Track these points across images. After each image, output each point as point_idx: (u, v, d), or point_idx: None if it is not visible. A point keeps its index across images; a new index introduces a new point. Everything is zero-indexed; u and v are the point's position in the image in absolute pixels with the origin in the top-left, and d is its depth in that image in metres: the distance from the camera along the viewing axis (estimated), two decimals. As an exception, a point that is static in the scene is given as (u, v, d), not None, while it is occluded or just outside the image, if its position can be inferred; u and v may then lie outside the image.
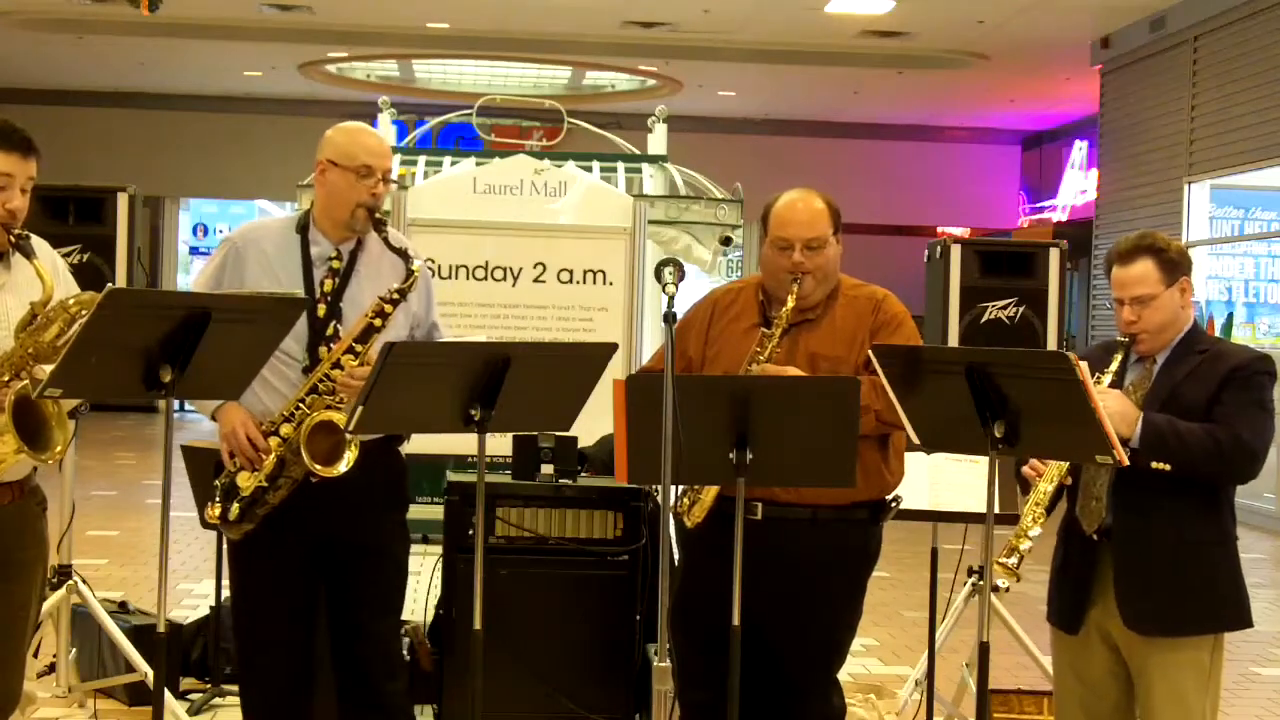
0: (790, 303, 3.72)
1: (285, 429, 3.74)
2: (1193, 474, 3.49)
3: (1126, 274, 3.61)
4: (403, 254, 3.78)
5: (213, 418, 3.85)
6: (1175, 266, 3.61)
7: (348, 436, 3.69)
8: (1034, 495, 3.64)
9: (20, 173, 3.37)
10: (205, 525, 5.45)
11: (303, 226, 3.92)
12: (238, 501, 3.75)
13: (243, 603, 3.97)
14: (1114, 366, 3.61)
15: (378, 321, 3.76)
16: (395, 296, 3.76)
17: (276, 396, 3.80)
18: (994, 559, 3.66)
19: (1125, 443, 3.38)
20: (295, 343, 3.76)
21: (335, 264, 3.88)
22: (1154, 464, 3.45)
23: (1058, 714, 3.84)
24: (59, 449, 3.30)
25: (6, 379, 3.25)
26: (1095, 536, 3.61)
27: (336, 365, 3.74)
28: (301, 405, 3.74)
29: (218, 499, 3.76)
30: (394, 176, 3.91)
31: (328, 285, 3.85)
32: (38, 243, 3.41)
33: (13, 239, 3.33)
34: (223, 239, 4.06)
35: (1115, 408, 3.44)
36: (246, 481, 3.74)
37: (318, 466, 3.70)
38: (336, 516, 3.81)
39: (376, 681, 3.93)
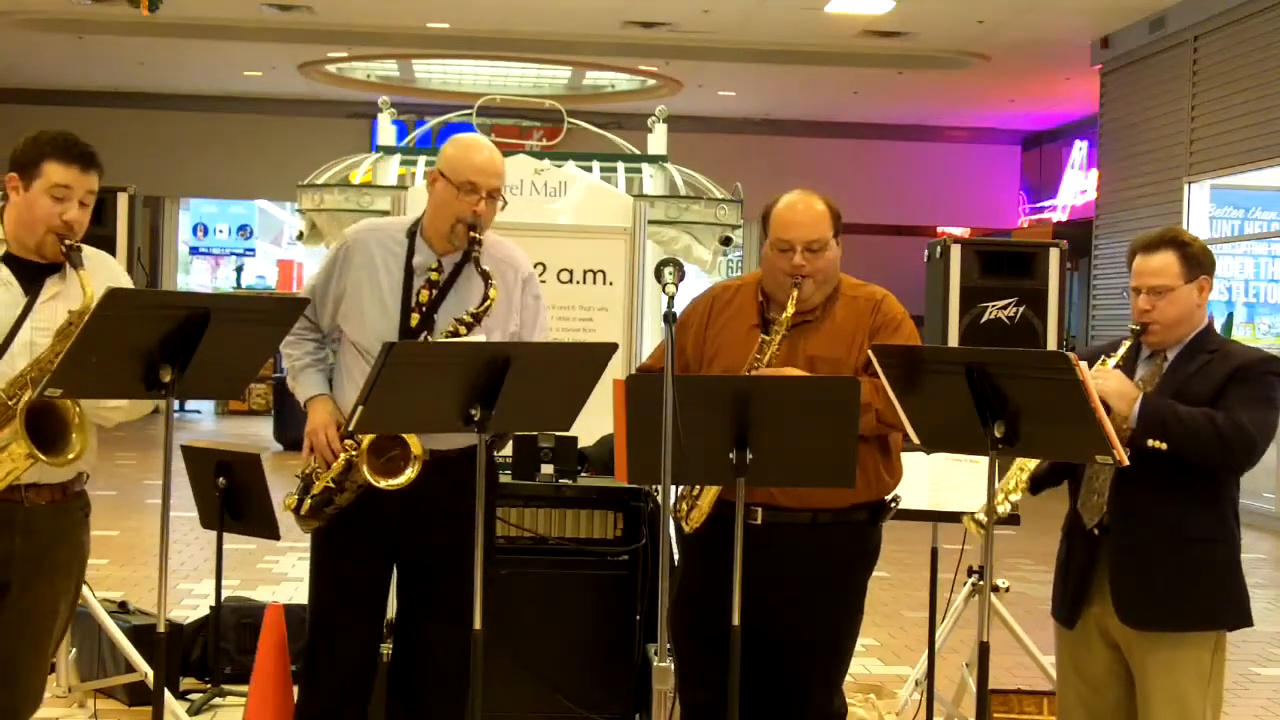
0: (790, 308, 3.70)
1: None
2: (1191, 456, 3.47)
3: (1147, 263, 3.63)
4: (485, 277, 3.75)
5: (304, 407, 3.88)
6: (1197, 264, 3.63)
7: (414, 452, 3.69)
8: (1019, 460, 3.66)
9: (80, 186, 3.38)
10: (205, 525, 5.51)
11: (411, 234, 3.91)
12: (309, 498, 3.77)
13: (316, 594, 3.95)
14: (1122, 352, 3.63)
15: None
16: (469, 319, 3.75)
17: None
18: (971, 517, 3.74)
19: (1123, 422, 3.41)
20: None
21: (434, 275, 3.86)
22: (1150, 442, 3.44)
23: (1059, 710, 3.84)
24: (70, 455, 3.30)
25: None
26: (1096, 531, 3.61)
27: None
28: None
29: (296, 490, 3.80)
30: (503, 192, 3.86)
31: (423, 296, 3.84)
32: (97, 253, 3.44)
33: (64, 249, 3.34)
34: (341, 234, 4.06)
35: (1114, 386, 3.46)
36: (319, 480, 3.77)
37: (372, 477, 3.69)
38: (416, 523, 3.80)
39: (430, 692, 3.90)
